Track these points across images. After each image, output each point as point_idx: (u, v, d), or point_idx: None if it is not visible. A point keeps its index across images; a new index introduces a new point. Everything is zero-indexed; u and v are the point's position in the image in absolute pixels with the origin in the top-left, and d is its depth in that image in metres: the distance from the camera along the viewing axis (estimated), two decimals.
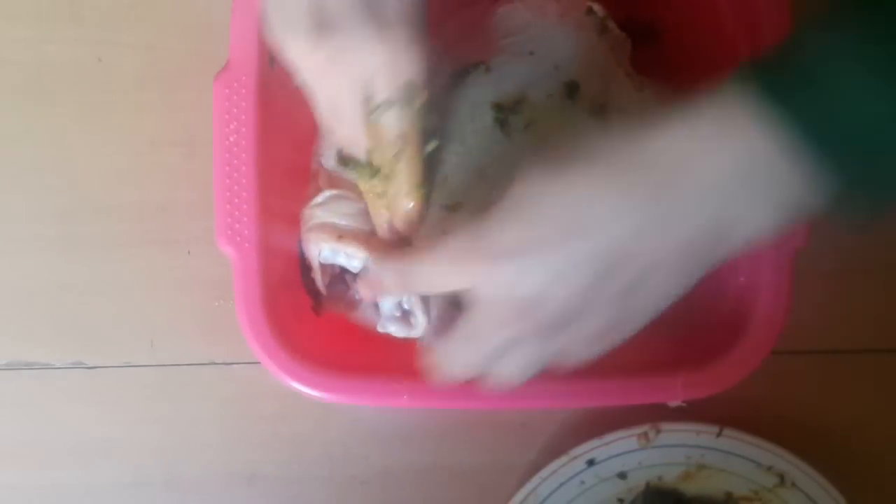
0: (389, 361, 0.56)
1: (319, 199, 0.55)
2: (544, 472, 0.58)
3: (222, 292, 0.59)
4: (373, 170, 0.50)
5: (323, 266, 0.54)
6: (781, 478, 0.58)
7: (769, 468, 0.58)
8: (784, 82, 0.38)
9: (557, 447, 0.59)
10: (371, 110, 0.47)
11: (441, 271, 0.44)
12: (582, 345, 0.44)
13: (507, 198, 0.42)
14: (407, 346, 0.55)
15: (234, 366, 0.61)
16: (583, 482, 0.58)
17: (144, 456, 0.61)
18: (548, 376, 0.55)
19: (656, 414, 0.58)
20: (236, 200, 0.54)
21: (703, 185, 0.39)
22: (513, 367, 0.45)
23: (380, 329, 0.53)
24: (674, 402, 0.56)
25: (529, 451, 0.61)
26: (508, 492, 0.59)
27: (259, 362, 0.54)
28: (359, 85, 0.46)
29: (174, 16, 0.62)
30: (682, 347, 0.55)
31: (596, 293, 0.41)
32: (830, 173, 0.37)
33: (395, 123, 0.48)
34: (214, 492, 0.61)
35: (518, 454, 0.61)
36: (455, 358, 0.46)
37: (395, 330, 0.53)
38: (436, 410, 0.61)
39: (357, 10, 0.44)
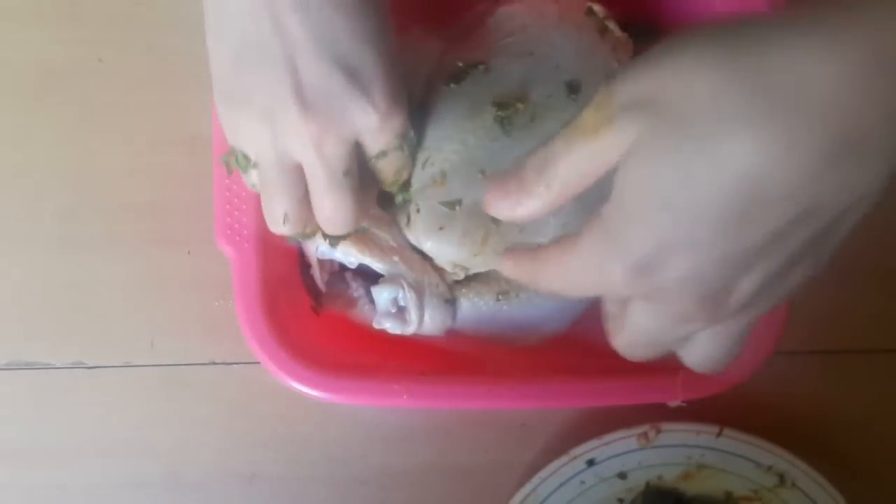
0: (389, 361, 0.56)
1: None
2: (544, 473, 0.58)
3: (222, 292, 0.59)
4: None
5: (321, 262, 0.54)
6: (781, 478, 0.58)
7: (769, 468, 0.58)
8: None
9: (557, 447, 0.59)
10: (369, 161, 0.49)
11: (578, 276, 0.38)
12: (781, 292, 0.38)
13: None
14: (407, 346, 0.55)
15: (234, 366, 0.61)
16: (583, 482, 0.58)
17: (144, 456, 0.61)
18: (548, 376, 0.56)
19: (656, 414, 0.58)
20: (236, 200, 0.54)
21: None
22: (710, 351, 0.40)
23: (375, 325, 0.54)
24: (674, 402, 0.56)
25: (529, 451, 0.61)
26: (508, 492, 0.59)
27: (259, 362, 0.55)
28: (351, 146, 0.47)
29: (174, 16, 0.62)
30: None
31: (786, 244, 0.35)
32: None
33: (391, 165, 0.50)
34: (214, 492, 0.61)
35: (518, 454, 0.61)
36: (642, 354, 0.42)
37: (391, 326, 0.53)
38: (435, 410, 0.61)
39: (338, 82, 0.45)
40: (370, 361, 0.56)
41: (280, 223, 0.49)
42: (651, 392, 0.56)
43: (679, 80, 0.33)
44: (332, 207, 0.48)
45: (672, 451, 0.58)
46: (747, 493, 0.59)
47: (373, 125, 0.46)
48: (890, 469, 0.61)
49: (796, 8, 0.32)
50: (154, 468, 0.61)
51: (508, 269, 0.42)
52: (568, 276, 0.38)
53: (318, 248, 0.53)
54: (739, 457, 0.58)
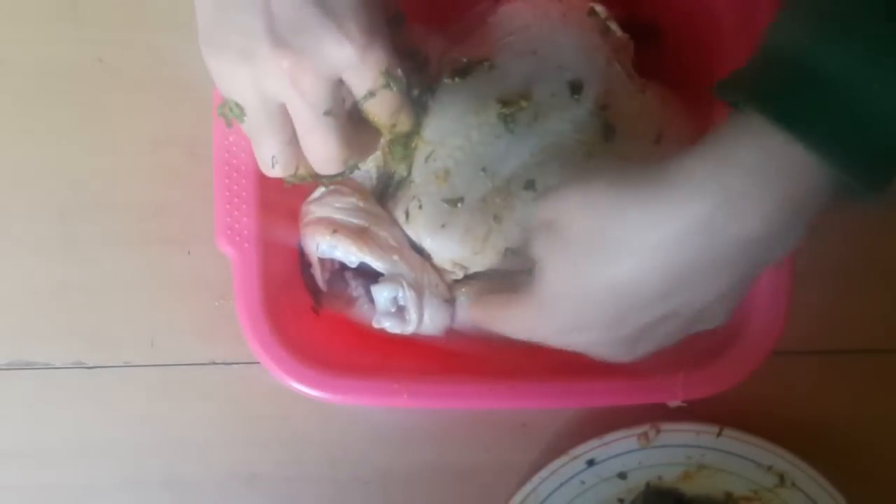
0: (389, 361, 0.56)
1: (316, 194, 0.55)
2: (544, 472, 0.58)
3: (222, 292, 0.59)
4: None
5: (322, 261, 0.54)
6: (781, 478, 0.58)
7: (769, 468, 0.58)
8: (808, 105, 0.38)
9: (557, 447, 0.59)
10: (359, 105, 0.48)
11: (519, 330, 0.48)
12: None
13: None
14: (407, 346, 0.55)
15: (234, 366, 0.61)
16: (583, 482, 0.58)
17: (144, 456, 0.61)
18: (548, 376, 0.56)
19: (656, 414, 0.58)
20: (236, 200, 0.54)
21: (747, 237, 0.40)
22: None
23: (374, 324, 0.54)
24: (674, 402, 0.56)
25: (529, 451, 0.61)
26: (508, 492, 0.59)
27: (259, 362, 0.55)
28: (331, 83, 0.46)
29: (174, 15, 0.62)
30: (682, 347, 0.55)
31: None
32: (865, 177, 0.39)
33: (383, 106, 0.48)
34: (214, 492, 0.61)
35: (518, 454, 0.61)
36: None
37: (390, 325, 0.53)
38: (436, 410, 0.61)
39: (311, 15, 0.44)
40: (370, 361, 0.56)
41: (270, 166, 0.48)
42: (651, 392, 0.56)
43: (569, 214, 0.43)
44: (317, 148, 0.47)
45: (672, 451, 0.58)
46: (747, 493, 0.59)
47: (351, 59, 0.45)
48: (890, 469, 0.61)
49: (643, 177, 0.41)
50: (154, 468, 0.61)
51: (476, 313, 0.51)
52: (512, 327, 0.48)
53: (318, 247, 0.53)
54: (739, 457, 0.58)
